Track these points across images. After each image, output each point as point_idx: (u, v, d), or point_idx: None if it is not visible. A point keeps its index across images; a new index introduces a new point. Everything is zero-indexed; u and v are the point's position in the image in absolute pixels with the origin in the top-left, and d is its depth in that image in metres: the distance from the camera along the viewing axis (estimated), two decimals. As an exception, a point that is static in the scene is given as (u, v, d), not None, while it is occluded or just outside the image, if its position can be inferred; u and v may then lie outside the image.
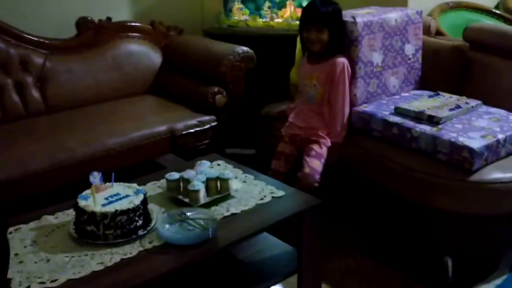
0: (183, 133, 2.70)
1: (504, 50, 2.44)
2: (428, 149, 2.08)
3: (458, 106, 2.24)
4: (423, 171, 2.05)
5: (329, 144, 2.33)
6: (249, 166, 2.15)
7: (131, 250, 1.55)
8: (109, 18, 3.09)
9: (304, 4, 3.14)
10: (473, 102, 2.30)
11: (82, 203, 1.61)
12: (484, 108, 2.31)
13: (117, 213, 1.57)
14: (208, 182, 1.83)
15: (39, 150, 2.36)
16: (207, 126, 2.80)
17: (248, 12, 3.35)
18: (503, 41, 2.47)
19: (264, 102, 2.87)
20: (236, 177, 1.98)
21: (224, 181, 1.84)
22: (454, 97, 2.36)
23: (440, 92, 2.42)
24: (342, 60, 2.31)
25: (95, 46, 3.01)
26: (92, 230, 1.58)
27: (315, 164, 2.29)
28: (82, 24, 3.00)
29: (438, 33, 2.85)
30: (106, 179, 1.72)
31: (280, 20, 3.24)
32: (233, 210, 1.77)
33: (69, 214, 1.75)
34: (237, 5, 3.33)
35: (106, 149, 2.47)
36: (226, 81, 2.87)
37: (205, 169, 1.91)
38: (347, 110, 2.35)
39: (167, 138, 2.67)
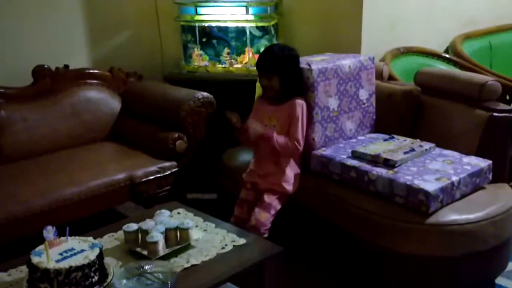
0: (142, 180, 2.67)
1: (454, 93, 2.54)
2: (385, 192, 2.12)
3: (412, 149, 2.31)
4: (381, 214, 2.08)
5: (286, 191, 2.34)
6: (211, 211, 2.14)
7: (86, 308, 1.50)
8: (66, 66, 3.07)
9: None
10: (427, 145, 2.37)
11: (35, 259, 1.56)
12: (438, 150, 2.38)
13: (71, 270, 1.52)
14: (168, 232, 1.81)
15: (-8, 202, 2.28)
16: (168, 172, 2.78)
17: (207, 58, 3.39)
18: (452, 85, 2.57)
19: (225, 147, 2.88)
20: (196, 226, 1.96)
21: (184, 231, 1.83)
22: (408, 140, 2.43)
23: (395, 136, 2.49)
24: (301, 102, 2.34)
25: (52, 94, 2.97)
26: (46, 288, 1.52)
27: (262, 216, 2.29)
28: (39, 72, 2.96)
29: (391, 77, 2.95)
30: (61, 232, 1.68)
31: (239, 65, 3.29)
32: (193, 261, 1.75)
33: (23, 271, 1.69)
34: (197, 51, 3.37)
35: (63, 200, 2.40)
36: (187, 126, 2.87)
37: (165, 219, 1.89)
38: (301, 145, 2.33)
39: (126, 186, 2.62)
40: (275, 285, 1.85)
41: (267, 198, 2.32)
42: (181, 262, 1.73)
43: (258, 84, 2.58)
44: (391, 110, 2.64)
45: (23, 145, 2.78)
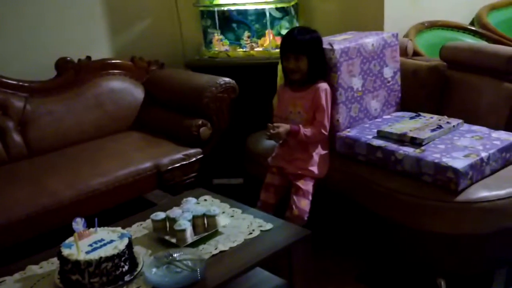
0: (169, 168, 2.68)
1: (481, 67, 2.47)
2: (413, 171, 2.08)
3: (440, 126, 2.26)
4: (409, 194, 2.04)
5: (315, 175, 2.33)
6: (238, 196, 2.14)
7: (118, 297, 1.52)
8: (88, 57, 3.09)
9: (283, 32, 3.17)
10: (455, 122, 2.31)
11: (65, 251, 1.59)
12: (466, 126, 2.32)
13: (101, 260, 1.54)
14: (195, 219, 1.82)
15: (23, 195, 2.32)
16: (193, 159, 2.79)
17: (228, 42, 3.36)
18: (479, 58, 2.50)
19: (249, 131, 2.87)
20: (223, 212, 1.97)
21: (211, 217, 1.83)
22: (435, 117, 2.38)
23: (421, 113, 2.44)
24: (325, 86, 2.32)
25: (76, 86, 3.00)
26: (77, 279, 1.55)
27: (303, 204, 2.28)
28: (62, 64, 2.99)
29: (416, 53, 2.87)
30: (90, 223, 1.70)
31: (260, 49, 3.25)
32: (221, 247, 1.75)
33: (54, 263, 1.72)
34: (217, 36, 3.35)
35: (91, 190, 2.44)
36: (210, 113, 2.87)
37: (191, 206, 1.90)
38: (327, 130, 2.32)
39: (153, 174, 2.64)
40: (304, 268, 1.84)
41: (303, 184, 2.30)
42: (209, 249, 1.74)
43: (280, 68, 2.55)
44: (417, 87, 2.58)
45: (50, 137, 2.82)
